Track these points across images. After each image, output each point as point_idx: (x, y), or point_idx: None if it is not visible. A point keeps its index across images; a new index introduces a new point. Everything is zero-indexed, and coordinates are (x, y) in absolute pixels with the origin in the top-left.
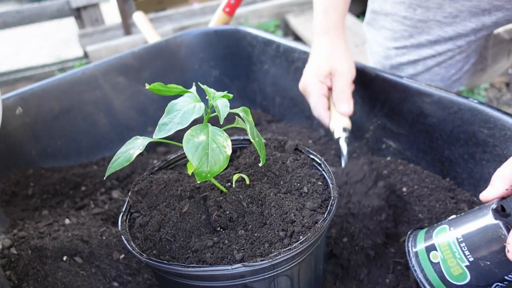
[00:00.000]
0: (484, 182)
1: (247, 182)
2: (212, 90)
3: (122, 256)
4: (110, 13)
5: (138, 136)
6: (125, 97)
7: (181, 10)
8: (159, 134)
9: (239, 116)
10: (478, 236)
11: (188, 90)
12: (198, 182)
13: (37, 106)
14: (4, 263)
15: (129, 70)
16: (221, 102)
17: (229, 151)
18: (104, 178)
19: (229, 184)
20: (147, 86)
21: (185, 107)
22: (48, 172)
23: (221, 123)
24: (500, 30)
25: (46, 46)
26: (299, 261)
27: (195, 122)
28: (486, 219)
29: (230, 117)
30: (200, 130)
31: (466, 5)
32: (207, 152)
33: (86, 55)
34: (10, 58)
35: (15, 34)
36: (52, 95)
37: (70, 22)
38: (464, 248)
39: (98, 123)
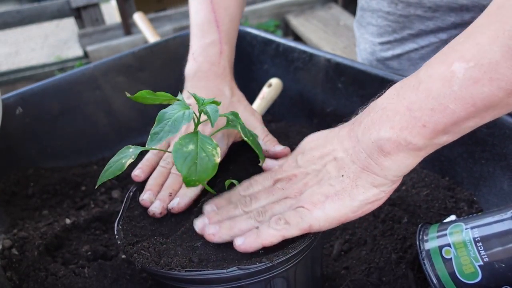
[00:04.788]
0: (483, 181)
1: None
2: (201, 98)
3: (124, 256)
4: (110, 13)
5: (130, 146)
6: (125, 97)
7: (181, 10)
8: (151, 143)
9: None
10: (497, 238)
11: (176, 98)
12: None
13: (37, 106)
14: (4, 264)
15: (129, 70)
16: (211, 107)
17: (218, 159)
18: (96, 187)
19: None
20: (129, 95)
21: (174, 114)
22: (48, 172)
23: (213, 127)
24: None
25: (46, 46)
26: (295, 262)
27: None
28: (508, 223)
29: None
30: (189, 139)
31: (444, 0)
32: (196, 162)
33: (86, 55)
34: (10, 58)
35: (15, 34)
36: (52, 95)
37: (70, 22)
38: (481, 248)
39: (98, 123)
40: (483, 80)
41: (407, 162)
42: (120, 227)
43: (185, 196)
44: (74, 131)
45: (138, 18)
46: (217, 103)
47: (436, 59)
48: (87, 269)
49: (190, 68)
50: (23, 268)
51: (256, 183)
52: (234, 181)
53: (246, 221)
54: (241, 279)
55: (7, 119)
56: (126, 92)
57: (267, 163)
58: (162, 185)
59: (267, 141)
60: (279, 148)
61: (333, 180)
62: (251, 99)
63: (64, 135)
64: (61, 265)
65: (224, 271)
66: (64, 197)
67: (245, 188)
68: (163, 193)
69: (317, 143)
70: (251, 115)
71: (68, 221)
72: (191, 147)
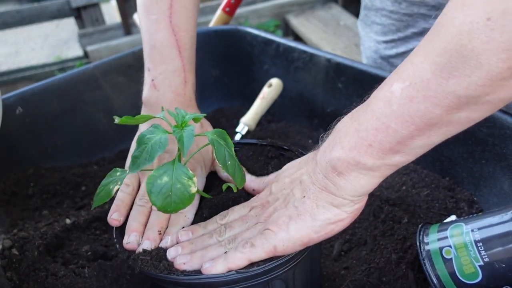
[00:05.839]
0: (483, 181)
1: (234, 190)
2: (181, 113)
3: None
4: (110, 13)
5: (117, 169)
6: (125, 97)
7: None
8: (133, 169)
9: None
10: (498, 239)
11: (156, 116)
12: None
13: (37, 106)
14: (4, 264)
15: (129, 70)
16: (187, 132)
17: (194, 189)
18: (92, 209)
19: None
20: (116, 120)
21: (152, 140)
22: (48, 172)
23: (184, 157)
24: None
25: (46, 46)
26: (293, 264)
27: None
28: (509, 223)
29: (231, 115)
30: (164, 171)
31: None
32: (170, 194)
33: (86, 55)
34: (10, 58)
35: (15, 34)
36: (52, 95)
37: (70, 22)
38: (481, 248)
39: (98, 123)
40: (417, 98)
41: (361, 182)
42: (118, 231)
43: (175, 233)
44: (74, 131)
45: (138, 18)
46: (197, 120)
47: (383, 82)
48: (87, 269)
49: (151, 96)
50: (23, 268)
51: (233, 212)
52: (232, 186)
53: (217, 249)
54: (239, 282)
55: (7, 119)
56: (114, 117)
57: (251, 181)
58: (144, 224)
59: None
60: (250, 177)
61: (297, 202)
62: (251, 99)
63: (64, 135)
64: (61, 265)
65: (223, 275)
66: (64, 197)
67: (222, 217)
68: (152, 232)
69: (290, 171)
70: None
71: (68, 221)
72: (165, 179)
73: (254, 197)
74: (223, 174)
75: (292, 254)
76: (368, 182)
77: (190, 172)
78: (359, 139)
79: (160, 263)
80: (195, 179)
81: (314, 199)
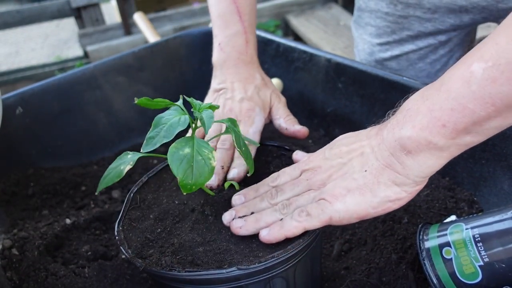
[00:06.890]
0: (483, 181)
1: (237, 188)
2: (198, 102)
3: (124, 256)
4: (110, 13)
5: (129, 152)
6: (125, 97)
7: (181, 10)
8: (146, 148)
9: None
10: (498, 238)
11: (175, 103)
12: (184, 193)
13: (37, 106)
14: (4, 264)
15: (129, 70)
16: (206, 113)
17: (214, 163)
18: (96, 193)
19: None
20: (136, 101)
21: (170, 120)
22: (48, 172)
23: (206, 134)
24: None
25: (46, 46)
26: (294, 262)
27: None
28: (509, 223)
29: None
30: (185, 142)
31: (444, 1)
32: (192, 165)
33: (86, 55)
34: (10, 58)
35: (15, 34)
36: (52, 95)
37: (70, 22)
38: (481, 248)
39: (98, 123)
40: (501, 80)
41: (429, 163)
42: (121, 228)
43: (241, 165)
44: (74, 131)
45: (138, 18)
46: (213, 108)
47: (460, 61)
48: (87, 269)
49: (218, 57)
50: (23, 268)
51: (284, 173)
52: (234, 183)
53: (271, 214)
54: (240, 279)
55: (7, 119)
56: (135, 98)
57: (298, 154)
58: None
59: (287, 121)
60: (298, 127)
61: (356, 174)
62: None
63: (64, 135)
64: (61, 265)
65: (224, 271)
66: (64, 197)
67: (273, 179)
68: (216, 167)
69: (348, 140)
70: (277, 97)
71: (68, 221)
72: (186, 150)
73: (305, 158)
74: (282, 124)
75: (292, 252)
76: (435, 162)
77: (210, 145)
78: (432, 119)
79: (162, 260)
80: (214, 153)
81: (376, 174)
